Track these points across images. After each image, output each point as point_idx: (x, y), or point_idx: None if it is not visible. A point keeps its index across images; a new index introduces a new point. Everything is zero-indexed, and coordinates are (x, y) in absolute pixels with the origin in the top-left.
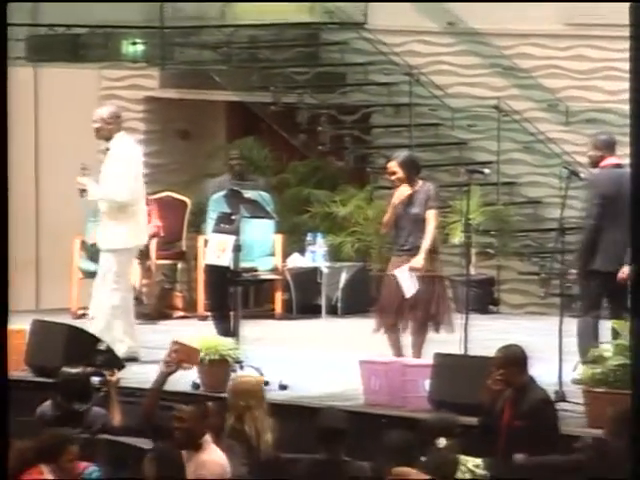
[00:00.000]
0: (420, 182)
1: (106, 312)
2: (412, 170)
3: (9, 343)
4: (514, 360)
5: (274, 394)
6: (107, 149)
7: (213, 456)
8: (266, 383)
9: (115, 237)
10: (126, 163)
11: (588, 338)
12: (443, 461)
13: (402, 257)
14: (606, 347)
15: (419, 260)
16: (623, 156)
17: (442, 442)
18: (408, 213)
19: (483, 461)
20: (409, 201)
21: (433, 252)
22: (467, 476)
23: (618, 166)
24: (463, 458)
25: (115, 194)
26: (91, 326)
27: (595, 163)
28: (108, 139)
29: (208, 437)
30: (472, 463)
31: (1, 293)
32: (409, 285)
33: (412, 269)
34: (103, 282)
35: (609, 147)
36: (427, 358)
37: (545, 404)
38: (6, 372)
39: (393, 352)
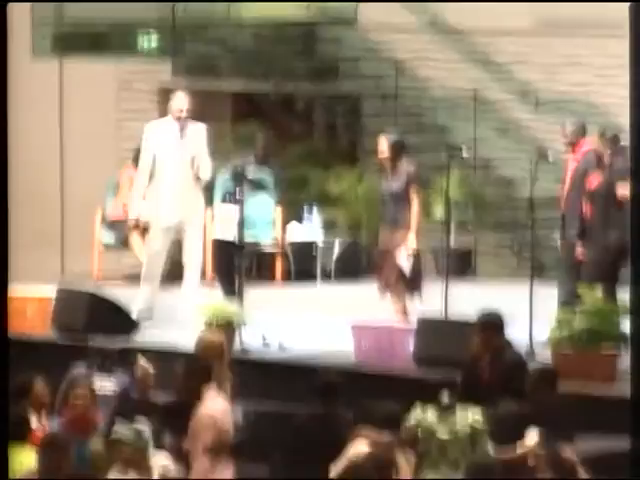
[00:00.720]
0: (404, 163)
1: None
2: (398, 151)
3: (39, 308)
4: (493, 325)
5: (275, 354)
6: (182, 130)
7: (207, 409)
8: (266, 344)
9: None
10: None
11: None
12: None
13: (385, 231)
14: (573, 310)
15: (413, 241)
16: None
17: (446, 396)
18: (391, 190)
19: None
20: (393, 179)
21: (418, 230)
22: (468, 431)
23: (590, 150)
24: (464, 414)
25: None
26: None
27: (572, 148)
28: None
29: (210, 389)
30: (473, 419)
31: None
32: (407, 265)
33: (408, 250)
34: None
35: (583, 133)
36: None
37: (520, 367)
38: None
39: (400, 317)
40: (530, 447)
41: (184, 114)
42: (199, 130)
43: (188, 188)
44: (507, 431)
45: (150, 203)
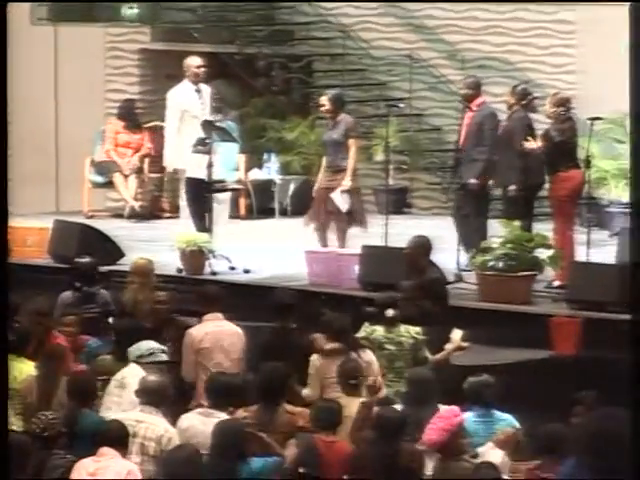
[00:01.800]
0: (342, 115)
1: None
2: (337, 104)
3: (38, 238)
4: (420, 245)
5: (240, 277)
6: (199, 90)
7: (192, 329)
8: (232, 268)
9: None
10: None
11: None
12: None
13: (327, 173)
14: (494, 240)
15: (347, 181)
16: (501, 94)
17: (390, 312)
18: (331, 139)
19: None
20: (332, 129)
21: (354, 171)
22: (411, 342)
23: (484, 103)
24: (406, 327)
25: None
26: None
27: (468, 101)
28: (198, 84)
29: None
30: (414, 331)
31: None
32: (342, 202)
33: (343, 190)
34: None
35: (478, 87)
36: (356, 248)
37: (439, 282)
38: None
39: (321, 244)
40: (456, 341)
41: (202, 71)
42: (208, 90)
43: None
44: (438, 335)
45: (181, 154)
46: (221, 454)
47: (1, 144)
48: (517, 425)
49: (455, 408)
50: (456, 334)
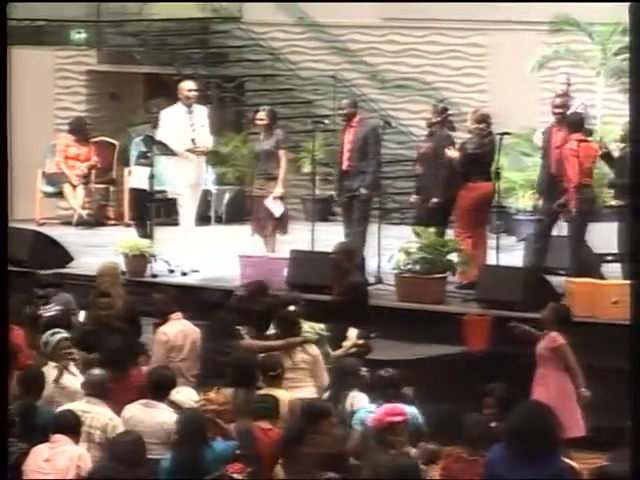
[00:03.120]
0: (275, 129)
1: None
2: (271, 119)
3: None
4: (345, 250)
5: (177, 278)
6: (191, 111)
7: (163, 327)
8: (171, 271)
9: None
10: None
11: None
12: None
13: (259, 181)
14: (412, 244)
15: (280, 189)
16: (419, 112)
17: (292, 308)
18: (263, 149)
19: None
20: (264, 140)
21: (284, 181)
22: (315, 337)
23: (362, 119)
24: (311, 324)
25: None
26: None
27: (348, 119)
28: (190, 106)
29: (175, 315)
30: (318, 327)
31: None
32: (275, 208)
33: (276, 197)
34: None
35: (355, 106)
36: (285, 253)
37: (360, 285)
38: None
39: (267, 249)
40: (352, 339)
41: (193, 94)
42: (202, 110)
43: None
44: (338, 333)
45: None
46: (187, 440)
47: (1, 154)
48: (419, 418)
49: (398, 407)
50: (352, 332)
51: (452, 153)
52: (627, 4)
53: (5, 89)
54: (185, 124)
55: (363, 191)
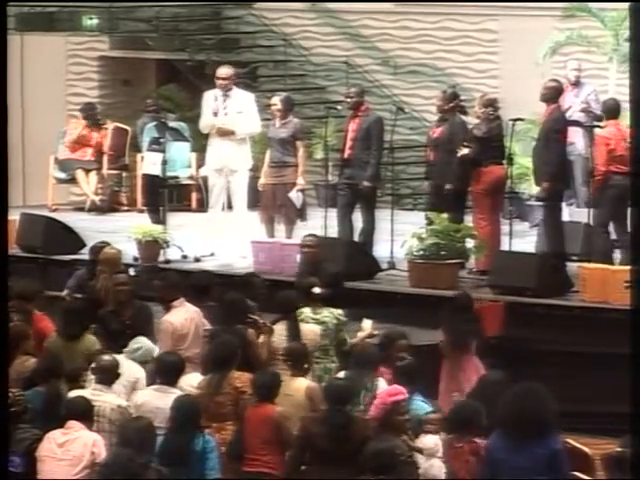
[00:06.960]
0: (291, 116)
1: None
2: (287, 106)
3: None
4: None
5: (191, 265)
6: (226, 96)
7: (168, 316)
8: (184, 257)
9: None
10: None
11: None
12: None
13: (273, 169)
14: (423, 230)
15: (301, 180)
16: (431, 97)
17: (317, 290)
18: (278, 137)
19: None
20: (280, 127)
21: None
22: (335, 322)
23: (368, 109)
24: (330, 310)
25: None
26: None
27: (354, 108)
28: (228, 90)
29: (178, 302)
30: (337, 312)
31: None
32: (297, 199)
33: (298, 189)
34: None
35: (362, 95)
36: (298, 239)
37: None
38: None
39: (268, 235)
40: (367, 329)
41: (227, 82)
42: (243, 96)
43: (233, 140)
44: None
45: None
46: (180, 427)
47: (1, 144)
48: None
49: (397, 387)
50: (366, 323)
51: (463, 152)
52: None
53: (5, 84)
54: (215, 108)
55: (366, 184)
